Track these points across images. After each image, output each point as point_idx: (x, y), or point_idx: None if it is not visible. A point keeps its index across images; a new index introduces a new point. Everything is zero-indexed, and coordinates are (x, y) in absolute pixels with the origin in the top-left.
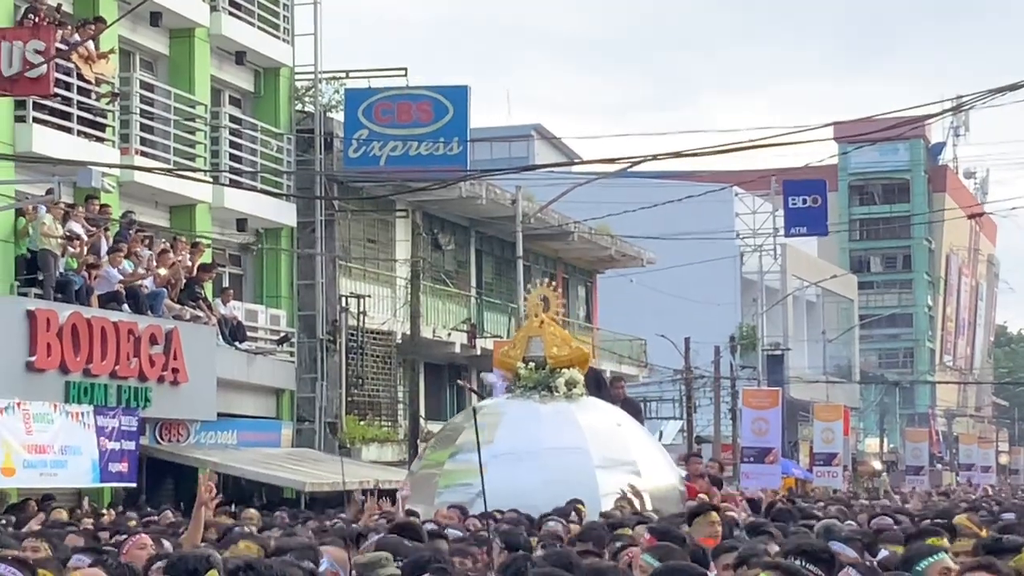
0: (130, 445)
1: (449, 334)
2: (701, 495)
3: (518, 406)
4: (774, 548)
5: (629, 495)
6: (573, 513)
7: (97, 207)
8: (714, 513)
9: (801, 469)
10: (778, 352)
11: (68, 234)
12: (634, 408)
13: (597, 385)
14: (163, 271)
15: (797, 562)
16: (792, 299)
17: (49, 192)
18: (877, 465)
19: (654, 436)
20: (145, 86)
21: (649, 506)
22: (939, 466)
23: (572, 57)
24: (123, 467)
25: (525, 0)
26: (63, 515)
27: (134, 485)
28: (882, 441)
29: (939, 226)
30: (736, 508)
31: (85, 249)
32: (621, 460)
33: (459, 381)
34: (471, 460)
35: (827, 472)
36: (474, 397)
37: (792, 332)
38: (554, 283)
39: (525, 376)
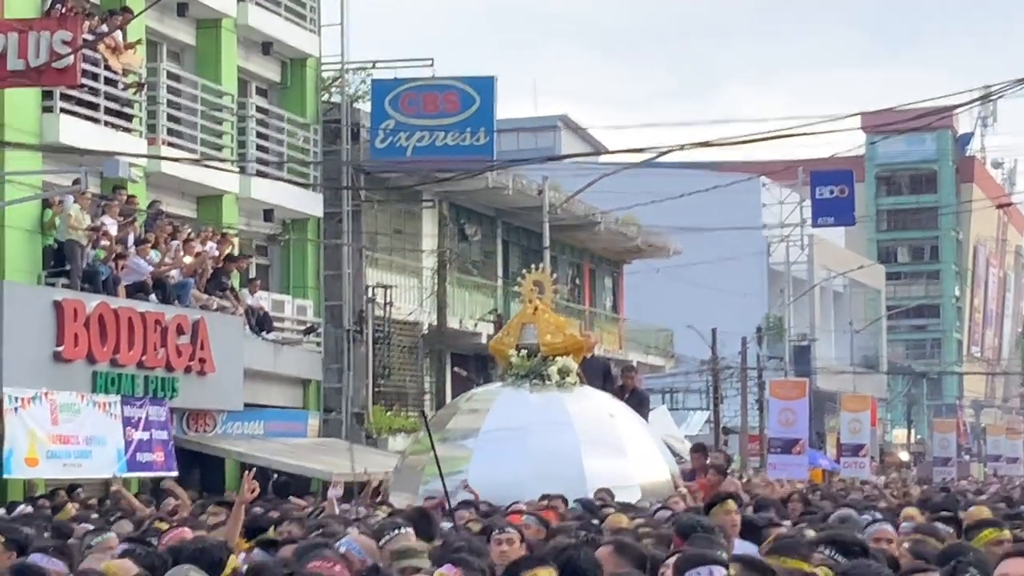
0: (162, 435)
1: (475, 324)
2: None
3: (508, 394)
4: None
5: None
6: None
7: (124, 197)
8: (731, 502)
9: (828, 460)
10: (805, 343)
11: (99, 226)
12: (640, 399)
13: (604, 375)
14: (189, 259)
15: (827, 552)
16: (819, 290)
17: (76, 183)
18: (904, 456)
19: (680, 428)
20: (172, 76)
21: (638, 497)
22: (967, 457)
23: (598, 47)
24: (156, 457)
25: None
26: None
27: (175, 474)
28: (909, 432)
29: (966, 216)
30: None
31: (115, 242)
32: (610, 451)
33: (455, 368)
34: (460, 446)
35: (854, 463)
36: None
37: (819, 323)
38: (555, 272)
39: (517, 364)
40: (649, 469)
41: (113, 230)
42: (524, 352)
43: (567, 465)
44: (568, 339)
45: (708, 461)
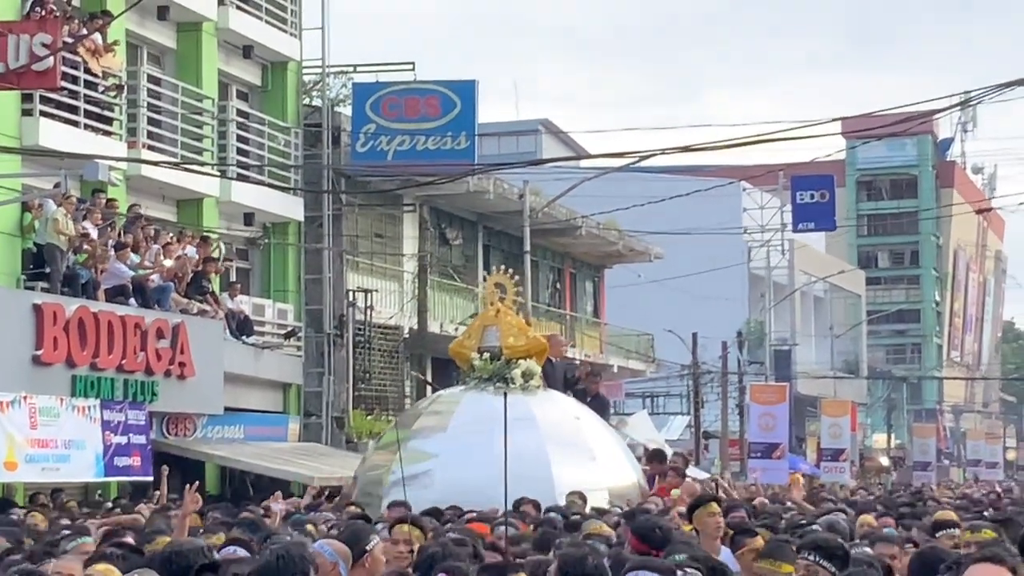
0: (140, 439)
1: (456, 328)
2: (674, 490)
3: (472, 398)
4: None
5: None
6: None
7: (104, 201)
8: (714, 504)
9: (808, 465)
10: (786, 347)
11: (82, 231)
12: (602, 404)
13: (564, 379)
14: (169, 263)
15: (811, 557)
16: (800, 294)
17: (56, 186)
18: (884, 461)
19: (660, 432)
20: (152, 80)
21: (606, 502)
22: (946, 462)
23: (578, 52)
24: (132, 461)
25: None
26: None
27: (150, 479)
28: (889, 437)
29: (947, 222)
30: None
31: (98, 248)
32: (578, 455)
33: (413, 372)
34: (423, 453)
35: (834, 467)
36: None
37: (800, 327)
38: (516, 277)
39: (479, 367)
40: (616, 473)
41: (93, 234)
42: (487, 355)
43: (535, 468)
44: (531, 342)
45: (668, 463)
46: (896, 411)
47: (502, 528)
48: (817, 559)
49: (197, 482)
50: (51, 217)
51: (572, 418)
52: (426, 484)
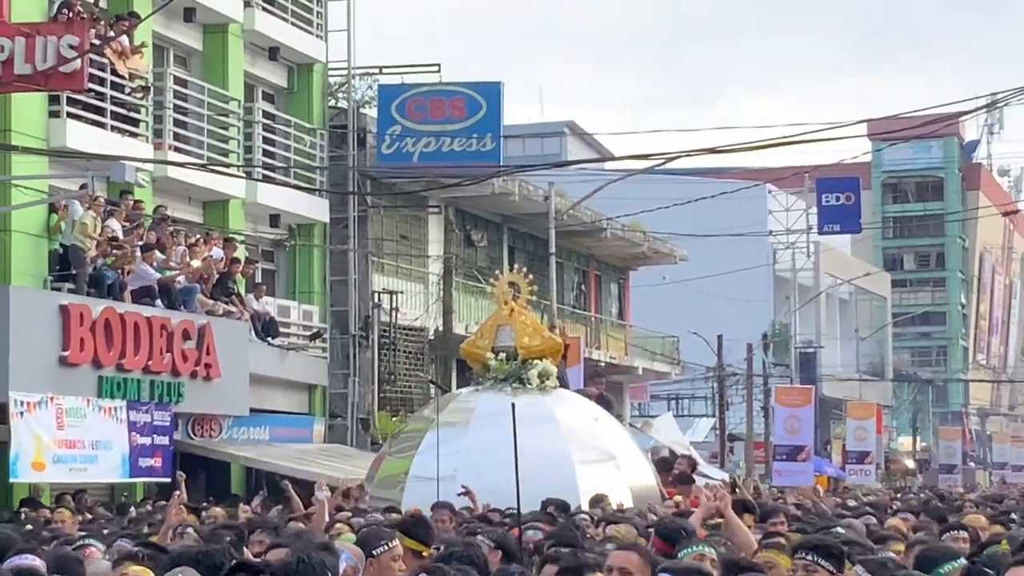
0: (163, 440)
1: None
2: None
3: (489, 399)
4: None
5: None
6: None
7: (131, 202)
8: (747, 516)
9: (834, 467)
10: (811, 350)
11: (110, 235)
12: (605, 405)
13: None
14: (196, 263)
15: (809, 557)
16: (825, 297)
17: (83, 187)
18: (910, 463)
19: (685, 434)
20: (179, 81)
21: (630, 503)
22: (972, 465)
23: (602, 53)
24: (154, 462)
25: None
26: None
27: (168, 480)
28: (915, 440)
29: (973, 224)
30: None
31: (129, 249)
32: (600, 456)
33: (420, 373)
34: (443, 456)
35: (860, 470)
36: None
37: (825, 330)
38: (530, 276)
39: (495, 367)
40: (637, 474)
41: (121, 235)
42: (503, 355)
43: (558, 468)
44: (546, 342)
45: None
46: (922, 414)
47: (529, 533)
48: (816, 559)
49: (183, 474)
50: (79, 221)
51: (591, 419)
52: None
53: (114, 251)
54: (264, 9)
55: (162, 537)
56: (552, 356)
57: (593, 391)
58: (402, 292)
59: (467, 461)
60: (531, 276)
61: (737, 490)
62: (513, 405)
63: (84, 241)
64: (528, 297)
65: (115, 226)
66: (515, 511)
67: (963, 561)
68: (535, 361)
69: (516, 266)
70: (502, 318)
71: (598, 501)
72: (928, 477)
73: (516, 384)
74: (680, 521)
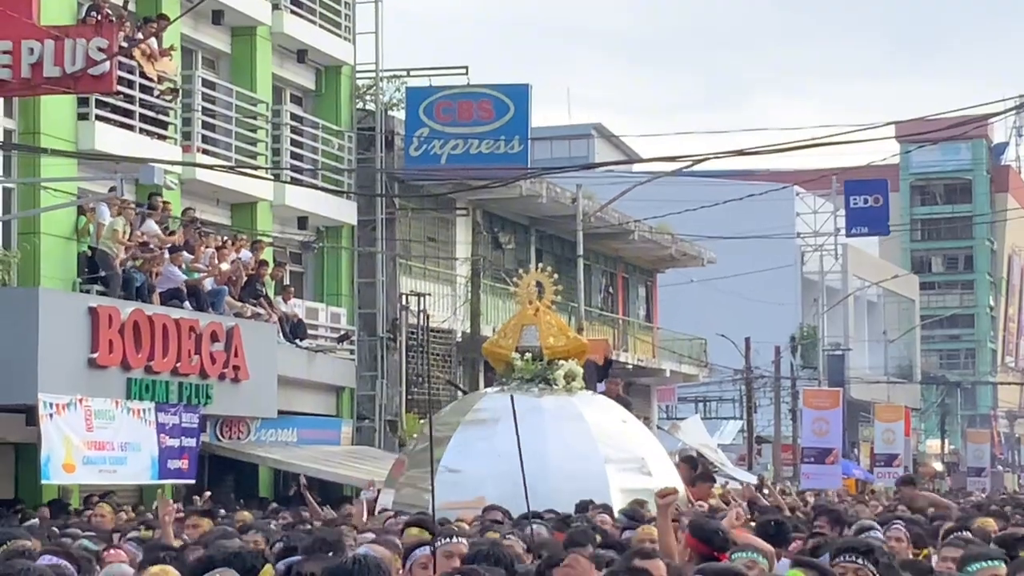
0: (190, 442)
1: None
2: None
3: (517, 400)
4: None
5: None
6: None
7: (163, 205)
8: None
9: (862, 470)
10: (839, 352)
11: (140, 240)
12: (624, 405)
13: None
14: (225, 266)
15: (851, 557)
16: (853, 299)
17: (111, 190)
18: (938, 466)
19: (713, 437)
20: (207, 84)
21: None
22: (1001, 468)
23: (631, 56)
24: (182, 464)
25: (584, 0)
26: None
27: (192, 482)
28: (943, 442)
29: (1001, 226)
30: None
31: (158, 252)
32: (630, 458)
33: (439, 373)
34: (468, 467)
35: (888, 473)
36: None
37: (853, 332)
38: (555, 275)
39: (521, 368)
40: (667, 476)
41: (160, 236)
42: (528, 355)
43: (589, 469)
44: (571, 342)
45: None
46: (950, 416)
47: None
48: (854, 558)
49: (161, 490)
50: (110, 227)
51: (619, 420)
52: (477, 487)
53: (144, 254)
54: (292, 12)
55: (164, 537)
56: (578, 357)
57: (612, 389)
58: (430, 294)
59: (498, 465)
60: (556, 276)
61: (765, 491)
62: (512, 398)
63: (113, 247)
64: (552, 297)
65: (152, 228)
66: (552, 512)
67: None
68: (561, 362)
69: (541, 265)
70: (526, 317)
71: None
72: (956, 480)
73: (542, 385)
74: (717, 523)
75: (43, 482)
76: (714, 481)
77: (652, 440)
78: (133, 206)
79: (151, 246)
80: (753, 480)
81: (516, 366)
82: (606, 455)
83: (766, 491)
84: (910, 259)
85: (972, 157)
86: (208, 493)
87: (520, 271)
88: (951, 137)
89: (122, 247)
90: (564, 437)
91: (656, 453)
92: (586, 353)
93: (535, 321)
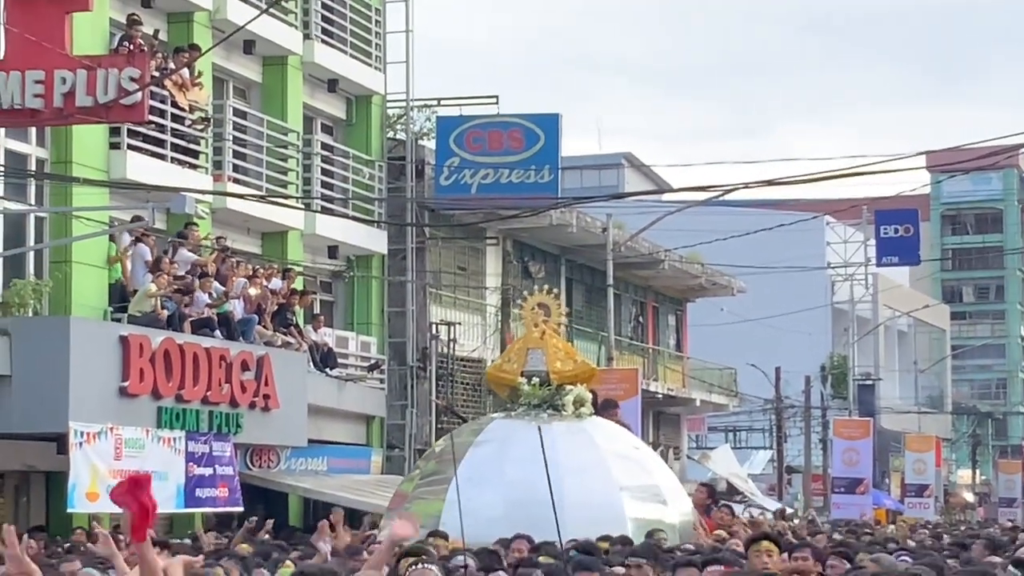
0: (227, 470)
1: None
2: (719, 528)
3: (525, 426)
4: None
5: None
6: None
7: (197, 234)
8: (766, 542)
9: (892, 500)
10: (869, 382)
11: (175, 270)
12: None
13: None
14: (254, 291)
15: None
16: (884, 329)
17: (135, 219)
18: (969, 497)
19: (743, 467)
20: (238, 113)
21: (675, 538)
22: None
23: (661, 86)
24: (219, 492)
25: (612, 29)
26: None
27: (240, 509)
28: (974, 473)
29: None
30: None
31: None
32: (644, 485)
33: (437, 400)
34: (476, 487)
35: (919, 503)
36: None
37: (884, 362)
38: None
39: (528, 392)
40: (682, 505)
41: (185, 267)
42: (535, 380)
43: (605, 502)
44: (579, 366)
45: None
46: (981, 447)
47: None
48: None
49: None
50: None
51: (632, 447)
52: (491, 517)
53: (176, 289)
54: (323, 41)
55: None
56: (586, 382)
57: (611, 419)
58: (460, 323)
59: (508, 492)
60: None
61: (784, 521)
62: (540, 429)
63: (148, 308)
64: (559, 320)
65: (186, 256)
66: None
67: None
68: (569, 387)
69: (547, 287)
70: (532, 341)
71: (653, 535)
72: (988, 510)
73: (551, 411)
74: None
75: (69, 511)
76: (731, 509)
77: (664, 467)
78: (155, 238)
79: (184, 275)
80: (776, 507)
81: (523, 391)
82: (620, 483)
83: (784, 521)
84: (941, 289)
85: (1003, 187)
86: (271, 521)
87: (525, 294)
88: (982, 167)
89: (155, 301)
90: (576, 463)
91: (669, 480)
92: (595, 377)
93: (541, 345)
